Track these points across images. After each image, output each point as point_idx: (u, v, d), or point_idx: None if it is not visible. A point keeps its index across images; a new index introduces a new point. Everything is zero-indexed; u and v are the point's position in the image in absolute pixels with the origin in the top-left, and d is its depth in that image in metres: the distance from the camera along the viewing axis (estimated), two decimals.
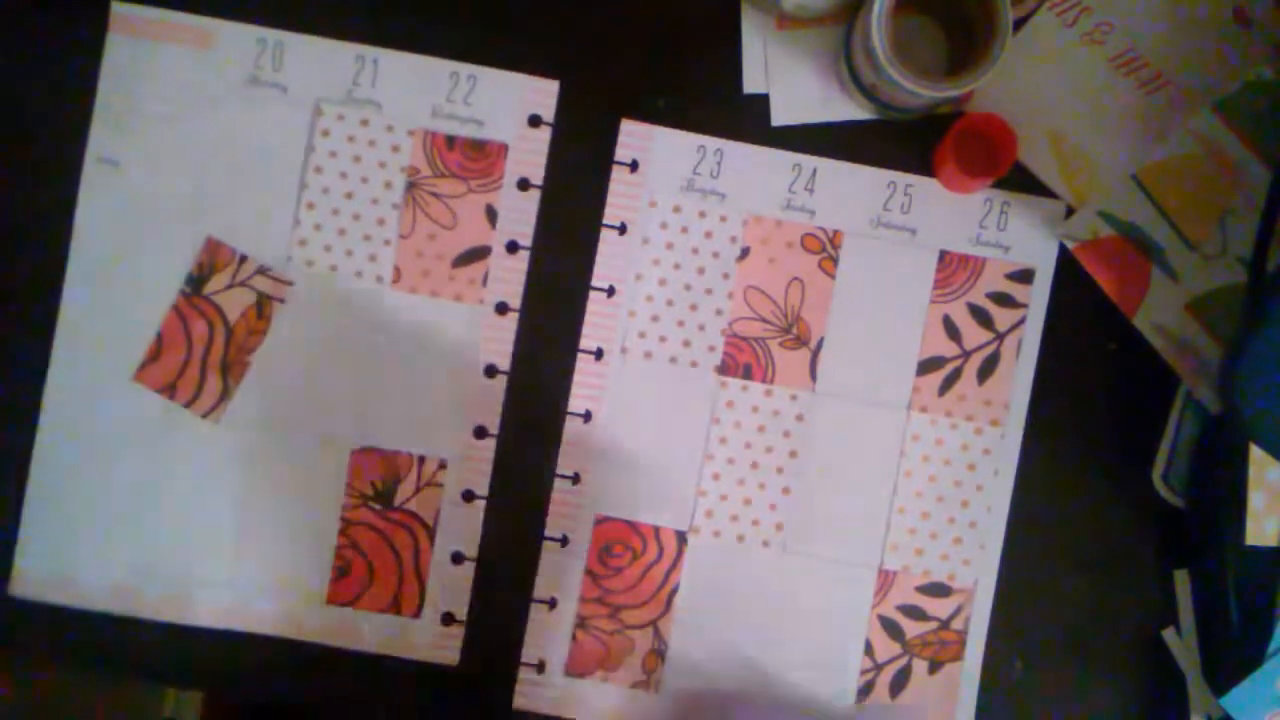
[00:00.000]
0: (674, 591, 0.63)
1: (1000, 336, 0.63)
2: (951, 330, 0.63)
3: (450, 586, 0.63)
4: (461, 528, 0.63)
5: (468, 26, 0.63)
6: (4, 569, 0.62)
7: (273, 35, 0.62)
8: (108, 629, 0.62)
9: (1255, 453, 0.59)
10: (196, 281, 0.63)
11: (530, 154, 0.63)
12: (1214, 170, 0.62)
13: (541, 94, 0.63)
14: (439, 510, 0.63)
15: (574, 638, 0.63)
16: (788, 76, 0.63)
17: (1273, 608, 0.59)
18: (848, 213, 0.63)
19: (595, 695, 0.63)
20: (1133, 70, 0.63)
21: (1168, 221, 0.62)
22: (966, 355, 0.63)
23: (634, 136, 0.63)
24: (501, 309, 0.63)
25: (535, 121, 0.63)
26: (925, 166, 0.63)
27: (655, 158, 0.63)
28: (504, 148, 0.63)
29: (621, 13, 0.63)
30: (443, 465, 0.63)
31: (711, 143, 0.63)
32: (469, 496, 0.63)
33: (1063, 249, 0.63)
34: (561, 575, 0.63)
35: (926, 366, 0.63)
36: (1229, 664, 0.60)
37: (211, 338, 0.63)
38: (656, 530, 0.63)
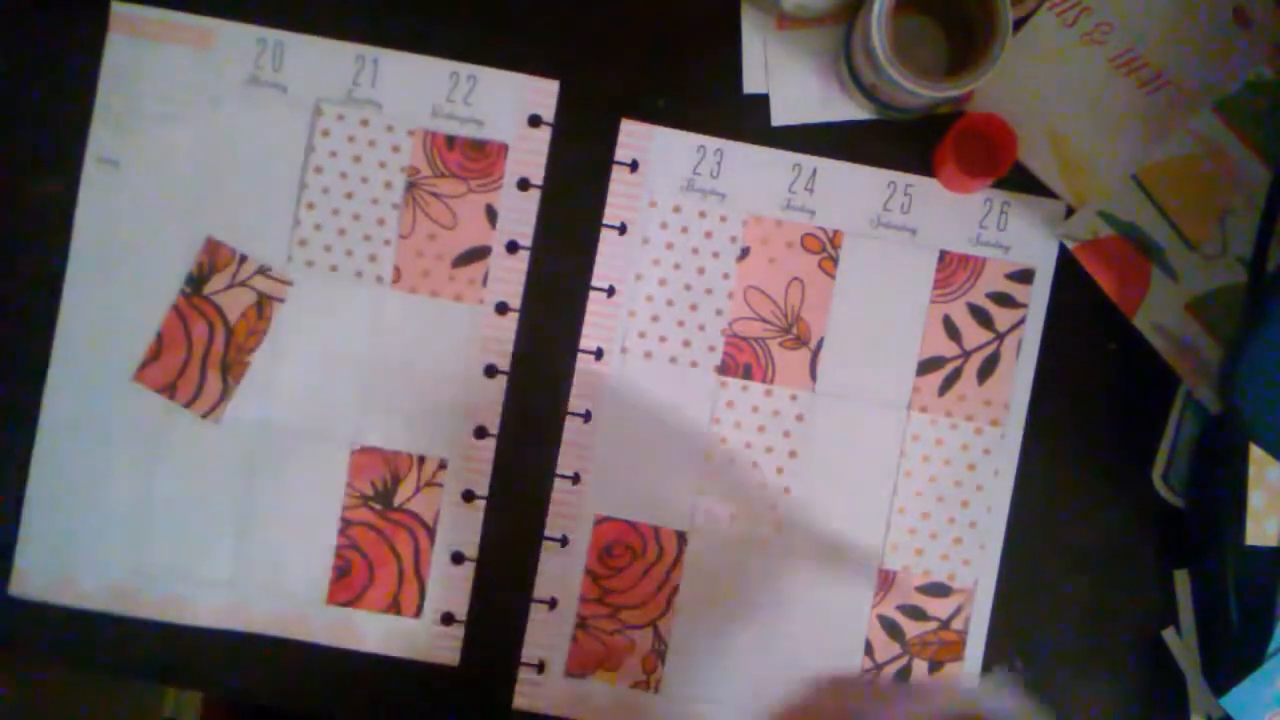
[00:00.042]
0: (674, 591, 0.63)
1: (1000, 336, 0.63)
2: (951, 330, 0.63)
3: (450, 586, 0.63)
4: (461, 528, 0.63)
5: (468, 26, 0.63)
6: (4, 569, 0.62)
7: (273, 35, 0.62)
8: (108, 629, 0.62)
9: (1255, 453, 0.59)
10: (196, 281, 0.63)
11: (530, 154, 0.63)
12: (1214, 170, 0.62)
13: (541, 94, 0.63)
14: (439, 510, 0.63)
15: (574, 638, 0.63)
16: (788, 76, 0.63)
17: (1273, 608, 0.59)
18: (848, 213, 0.63)
19: (595, 695, 0.63)
20: (1133, 70, 0.63)
21: (1168, 221, 0.62)
22: (966, 355, 0.63)
23: (634, 136, 0.63)
24: (501, 309, 0.63)
25: (535, 121, 0.63)
26: (925, 166, 0.63)
27: (655, 158, 0.63)
28: (504, 148, 0.63)
29: (621, 13, 0.63)
30: (443, 465, 0.63)
31: (711, 143, 0.63)
32: (469, 496, 0.63)
33: (1063, 249, 0.63)
34: (561, 575, 0.63)
35: (926, 366, 0.63)
36: (1229, 664, 0.60)
37: (211, 338, 0.63)
38: (656, 530, 0.63)
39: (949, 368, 0.63)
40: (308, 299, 0.63)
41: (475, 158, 0.63)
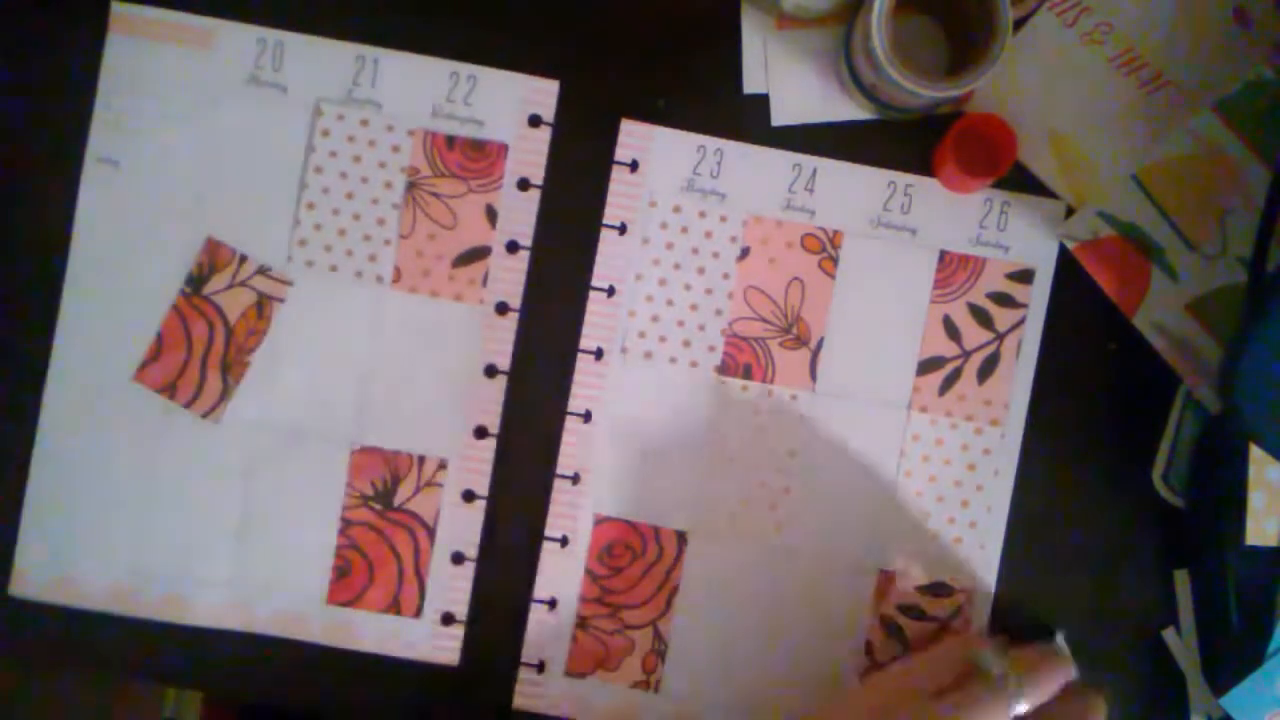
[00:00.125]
0: (674, 591, 0.63)
1: (1000, 336, 0.63)
2: (951, 330, 0.63)
3: (450, 586, 0.63)
4: (461, 528, 0.63)
5: (468, 26, 0.63)
6: (4, 569, 0.62)
7: (273, 35, 0.62)
8: (108, 629, 0.62)
9: (1255, 453, 0.59)
10: (196, 281, 0.63)
11: (530, 154, 0.63)
12: (1214, 170, 0.62)
13: (541, 94, 0.63)
14: (439, 510, 0.63)
15: (574, 638, 0.63)
16: (788, 76, 0.63)
17: (1273, 608, 0.59)
18: (848, 213, 0.63)
19: (595, 695, 0.63)
20: (1133, 70, 0.63)
21: (1168, 221, 0.62)
22: (966, 355, 0.63)
23: (634, 136, 0.63)
24: (501, 309, 0.63)
25: (535, 121, 0.63)
26: (925, 166, 0.63)
27: (655, 158, 0.63)
28: (504, 148, 0.63)
29: (621, 13, 0.63)
30: (443, 465, 0.63)
31: (711, 143, 0.63)
32: (469, 496, 0.63)
33: (1063, 249, 0.63)
34: (561, 575, 0.63)
35: (926, 366, 0.63)
36: (1229, 664, 0.60)
37: (211, 338, 0.63)
38: (656, 530, 0.63)
39: (949, 368, 0.63)
40: (308, 299, 0.63)
41: (475, 158, 0.63)
